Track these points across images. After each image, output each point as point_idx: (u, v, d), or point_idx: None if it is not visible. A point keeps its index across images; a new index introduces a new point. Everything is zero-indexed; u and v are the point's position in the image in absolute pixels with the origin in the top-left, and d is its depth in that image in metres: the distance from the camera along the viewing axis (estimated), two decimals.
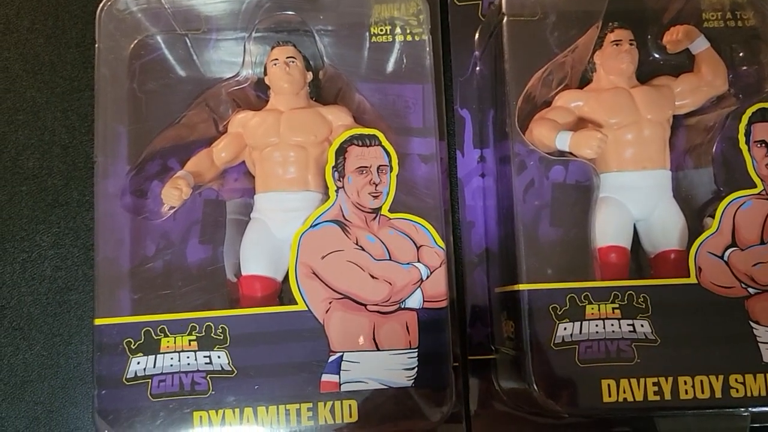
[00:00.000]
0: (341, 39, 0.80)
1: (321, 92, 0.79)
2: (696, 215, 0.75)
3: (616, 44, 0.78)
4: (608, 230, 0.74)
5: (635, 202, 0.75)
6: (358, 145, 0.71)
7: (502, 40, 0.74)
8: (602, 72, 0.79)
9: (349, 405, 0.67)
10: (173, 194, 0.71)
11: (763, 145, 0.72)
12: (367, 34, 0.80)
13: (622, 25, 0.78)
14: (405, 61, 0.79)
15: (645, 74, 0.80)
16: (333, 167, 0.71)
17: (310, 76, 0.78)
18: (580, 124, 0.78)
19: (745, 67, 0.80)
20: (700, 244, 0.71)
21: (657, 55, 0.81)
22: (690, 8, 0.81)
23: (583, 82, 0.80)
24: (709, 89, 0.78)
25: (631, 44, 0.78)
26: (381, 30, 0.80)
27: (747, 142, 0.72)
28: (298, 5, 0.80)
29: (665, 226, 0.75)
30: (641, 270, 0.77)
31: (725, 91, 0.78)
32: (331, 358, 0.68)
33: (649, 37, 0.81)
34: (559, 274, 0.70)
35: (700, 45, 0.78)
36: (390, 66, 0.79)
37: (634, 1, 0.81)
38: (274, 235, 0.72)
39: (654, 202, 0.75)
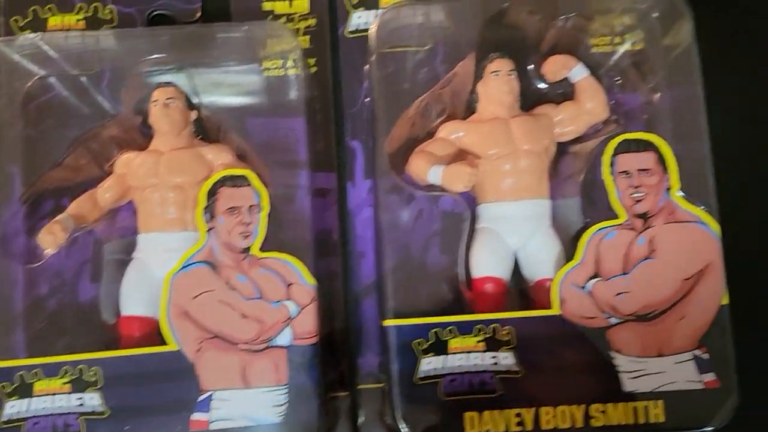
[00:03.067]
0: (233, 74, 0.81)
1: (206, 131, 0.81)
2: (571, 244, 0.76)
3: (495, 74, 0.79)
4: (483, 261, 0.76)
5: (512, 231, 0.76)
6: (229, 186, 0.73)
7: (371, 75, 0.76)
8: (484, 102, 0.80)
9: None
10: (47, 239, 0.72)
11: (627, 175, 0.73)
12: (260, 68, 0.81)
13: (502, 56, 0.80)
14: (295, 94, 0.81)
15: (531, 102, 0.82)
16: (204, 209, 0.72)
17: (193, 114, 0.79)
18: (461, 154, 0.79)
19: (631, 92, 0.81)
20: (564, 275, 0.72)
21: (542, 84, 0.82)
22: (571, 35, 0.82)
23: (470, 111, 0.82)
24: (590, 117, 0.79)
25: (510, 74, 0.79)
26: (273, 64, 0.82)
27: (612, 172, 0.73)
28: (188, 42, 0.81)
29: (541, 256, 0.76)
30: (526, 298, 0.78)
31: (606, 118, 0.80)
32: (201, 397, 0.69)
33: (530, 66, 0.82)
34: (427, 308, 0.72)
35: (579, 73, 0.79)
36: (280, 99, 0.80)
37: (514, 30, 0.82)
38: (153, 275, 0.74)
39: (531, 232, 0.76)
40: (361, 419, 0.80)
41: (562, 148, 0.81)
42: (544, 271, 0.75)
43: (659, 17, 0.79)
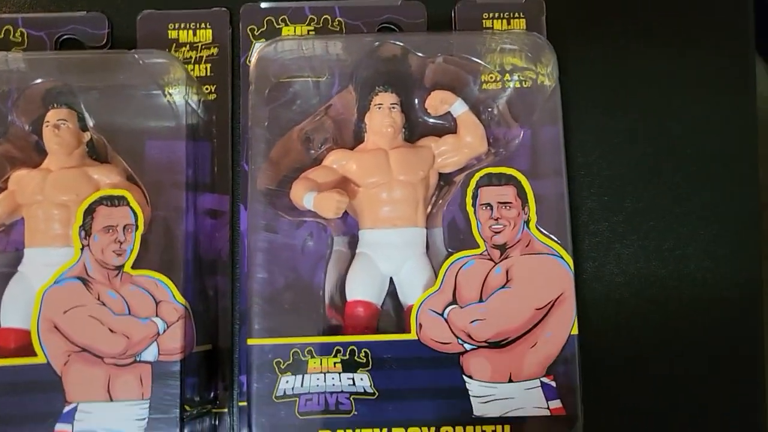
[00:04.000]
0: (132, 98, 0.84)
1: (99, 152, 0.84)
2: None
3: (378, 107, 0.82)
4: (355, 285, 0.79)
5: (385, 258, 0.79)
6: (106, 206, 0.76)
7: (248, 104, 0.79)
8: (369, 133, 0.83)
9: None
10: None
11: (488, 207, 0.76)
12: (157, 94, 0.84)
13: (386, 89, 0.83)
14: (189, 119, 0.84)
15: (418, 135, 0.85)
16: (80, 226, 0.75)
17: (87, 136, 0.82)
18: (343, 182, 0.82)
19: (506, 128, 0.84)
20: (422, 301, 0.75)
21: (429, 119, 0.85)
22: (455, 72, 0.85)
23: (359, 140, 0.85)
24: (469, 150, 0.82)
25: (392, 108, 0.82)
26: (170, 90, 0.85)
27: (474, 204, 0.76)
28: (91, 67, 0.85)
29: (412, 282, 0.79)
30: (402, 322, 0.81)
31: (485, 151, 0.83)
32: (66, 409, 0.72)
33: (416, 100, 0.85)
34: (294, 330, 0.74)
35: (459, 109, 0.83)
36: (175, 124, 0.83)
37: (401, 64, 0.85)
38: (32, 289, 0.76)
39: (403, 259, 0.79)
40: None
41: (448, 179, 0.84)
42: (414, 296, 0.78)
43: (533, 57, 0.83)
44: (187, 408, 0.73)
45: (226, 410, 0.83)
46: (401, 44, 0.81)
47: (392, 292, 0.81)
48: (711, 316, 0.86)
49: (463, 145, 0.82)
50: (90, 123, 0.83)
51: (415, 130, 0.85)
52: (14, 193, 0.80)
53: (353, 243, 0.82)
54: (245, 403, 0.81)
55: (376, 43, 0.81)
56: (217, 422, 0.82)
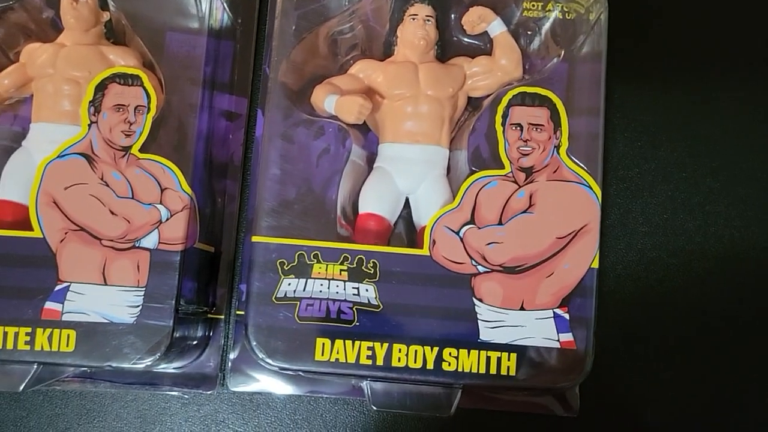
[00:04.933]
0: None
1: (118, 34, 0.80)
2: None
3: (413, 18, 0.78)
4: (370, 198, 0.75)
5: (403, 174, 0.75)
6: (119, 84, 0.72)
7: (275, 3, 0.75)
8: (400, 45, 0.79)
9: (68, 334, 0.68)
10: None
11: (518, 128, 0.72)
12: None
13: (423, 0, 0.79)
14: (221, 16, 0.80)
15: (451, 56, 0.80)
16: (90, 102, 0.72)
17: (106, 16, 0.79)
18: (368, 93, 0.78)
19: (554, 59, 0.80)
20: (439, 218, 0.71)
21: (465, 39, 0.81)
22: None
23: (389, 54, 0.81)
24: (503, 74, 0.78)
25: (427, 20, 0.78)
26: None
27: (503, 123, 0.72)
28: None
29: (428, 202, 0.75)
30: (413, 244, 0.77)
31: (519, 77, 0.78)
32: (58, 287, 0.69)
33: (453, 17, 0.81)
34: (297, 232, 0.71)
35: (497, 28, 0.78)
36: (202, 20, 0.79)
37: None
38: (35, 164, 0.73)
39: (421, 177, 0.75)
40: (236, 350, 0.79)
41: (477, 104, 0.80)
42: (429, 217, 0.74)
43: None
44: (183, 303, 0.70)
45: (222, 317, 0.80)
46: None
47: (406, 217, 0.78)
48: (734, 275, 0.82)
49: (497, 67, 0.78)
50: (111, 4, 0.79)
51: (448, 49, 0.81)
52: (25, 66, 0.77)
53: (371, 159, 0.78)
54: (243, 312, 0.79)
55: None
56: (210, 333, 0.79)
